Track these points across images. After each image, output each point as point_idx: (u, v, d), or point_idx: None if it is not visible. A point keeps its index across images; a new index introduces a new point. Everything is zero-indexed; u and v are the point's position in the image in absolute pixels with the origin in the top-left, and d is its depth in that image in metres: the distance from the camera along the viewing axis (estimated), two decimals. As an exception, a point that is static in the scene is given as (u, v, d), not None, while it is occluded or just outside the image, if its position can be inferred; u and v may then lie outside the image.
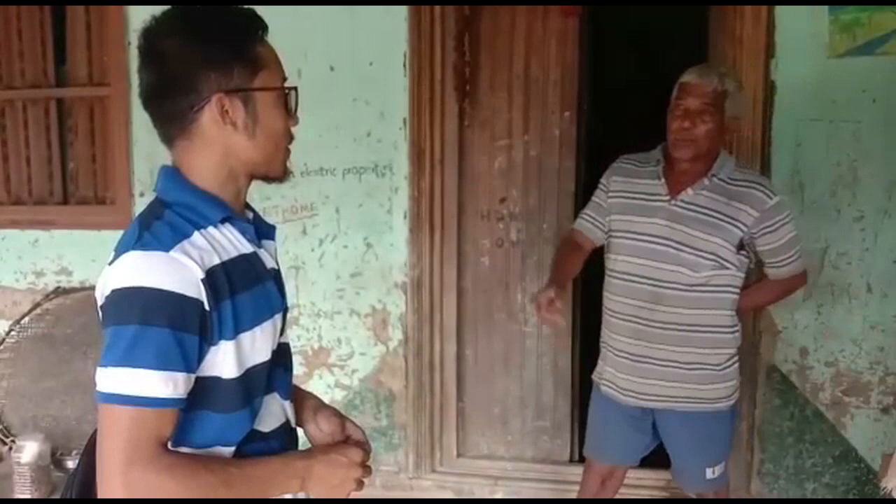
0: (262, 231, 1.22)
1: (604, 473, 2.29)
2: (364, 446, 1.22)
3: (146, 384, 0.97)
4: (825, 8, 2.59)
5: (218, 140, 1.09)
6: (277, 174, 1.17)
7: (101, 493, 0.99)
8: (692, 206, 2.01)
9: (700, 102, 1.98)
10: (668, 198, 2.04)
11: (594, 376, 2.28)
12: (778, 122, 2.68)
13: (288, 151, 1.18)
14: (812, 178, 2.69)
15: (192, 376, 1.02)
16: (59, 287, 3.29)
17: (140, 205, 3.15)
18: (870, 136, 2.63)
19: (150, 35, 1.08)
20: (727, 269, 2.02)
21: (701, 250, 1.99)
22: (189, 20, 1.08)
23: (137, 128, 3.12)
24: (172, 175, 1.12)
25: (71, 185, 3.36)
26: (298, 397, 1.30)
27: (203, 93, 1.07)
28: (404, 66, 2.91)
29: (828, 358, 2.76)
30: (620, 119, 4.21)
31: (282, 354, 1.20)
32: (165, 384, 0.98)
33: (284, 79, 1.15)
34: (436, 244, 3.02)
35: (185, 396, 1.01)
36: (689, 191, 2.02)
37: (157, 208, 1.09)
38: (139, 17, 3.05)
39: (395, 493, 3.11)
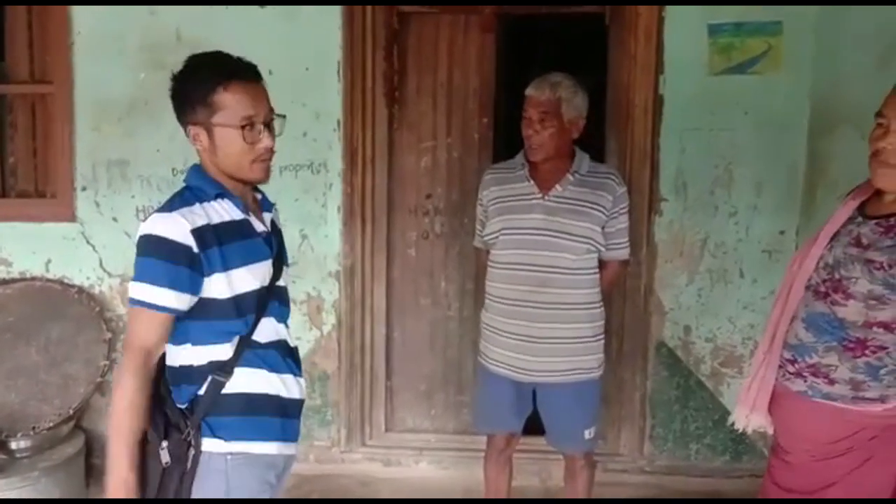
0: (264, 206, 1.73)
1: (504, 441, 2.56)
2: None
3: (147, 293, 1.49)
4: (705, 32, 2.98)
5: (204, 153, 1.60)
6: (250, 179, 1.63)
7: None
8: (563, 200, 2.31)
9: (538, 112, 2.27)
10: (540, 195, 2.32)
11: (480, 358, 2.52)
12: (665, 131, 3.04)
13: (258, 163, 1.59)
14: (694, 179, 3.06)
15: (183, 295, 1.50)
16: (-2, 277, 3.37)
17: (82, 199, 3.27)
18: (742, 143, 3.02)
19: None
20: (597, 251, 2.34)
21: (576, 235, 2.29)
22: (180, 72, 1.57)
23: (81, 125, 3.23)
24: (196, 169, 1.63)
25: (10, 178, 3.44)
26: None
27: (186, 122, 1.58)
28: (338, 72, 3.11)
29: (707, 334, 3.14)
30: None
31: (278, 293, 1.67)
32: (159, 295, 1.48)
33: (251, 115, 1.55)
34: (367, 236, 3.24)
35: (173, 307, 1.50)
36: (558, 187, 2.31)
37: (182, 189, 1.61)
38: (83, 18, 3.20)
39: (328, 467, 3.30)
